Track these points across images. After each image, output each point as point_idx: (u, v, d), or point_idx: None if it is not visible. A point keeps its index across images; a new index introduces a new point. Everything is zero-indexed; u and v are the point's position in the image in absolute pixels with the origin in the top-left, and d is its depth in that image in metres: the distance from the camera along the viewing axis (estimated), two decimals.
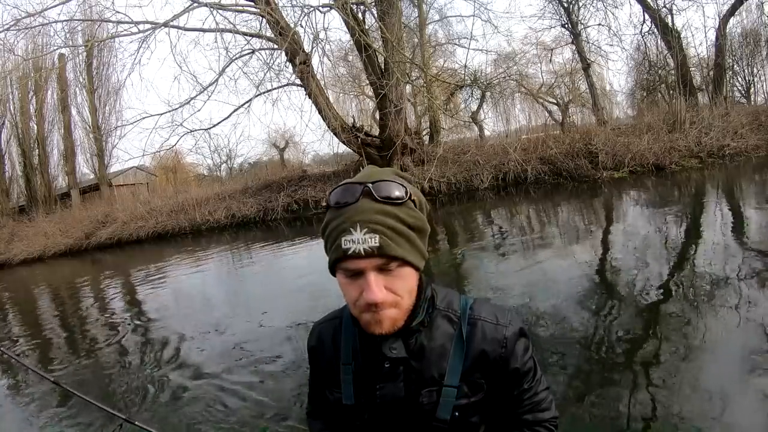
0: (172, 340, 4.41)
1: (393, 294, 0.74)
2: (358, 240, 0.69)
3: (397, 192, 0.73)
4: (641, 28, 17.20)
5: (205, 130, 13.15)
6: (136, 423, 1.47)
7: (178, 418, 2.80)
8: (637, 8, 17.29)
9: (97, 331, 5.32)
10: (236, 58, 11.59)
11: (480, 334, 0.82)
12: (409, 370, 0.80)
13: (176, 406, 2.98)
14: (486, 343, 0.81)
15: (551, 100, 20.49)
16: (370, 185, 0.72)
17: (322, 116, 12.77)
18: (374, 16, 12.17)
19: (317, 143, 51.05)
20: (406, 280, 0.75)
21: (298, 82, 12.24)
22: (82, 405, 3.04)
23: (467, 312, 0.84)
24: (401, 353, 0.80)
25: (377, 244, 0.69)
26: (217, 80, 11.54)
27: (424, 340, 0.81)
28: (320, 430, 0.97)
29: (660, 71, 18.35)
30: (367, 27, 12.23)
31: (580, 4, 17.99)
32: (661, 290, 3.57)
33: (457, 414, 0.80)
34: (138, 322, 5.35)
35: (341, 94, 18.65)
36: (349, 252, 0.70)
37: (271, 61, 12.05)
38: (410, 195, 0.74)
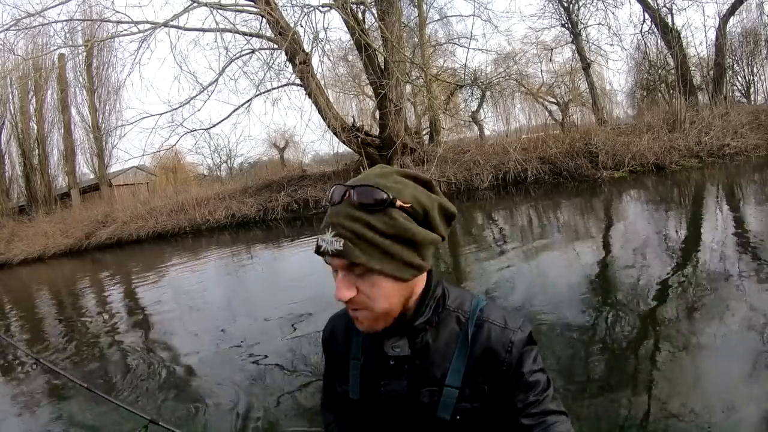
0: (178, 340, 4.41)
1: (364, 296, 0.74)
2: (327, 241, 0.72)
3: (375, 198, 0.71)
4: (641, 28, 17.25)
5: (205, 129, 13.21)
6: (161, 423, 1.46)
7: (198, 418, 2.78)
8: (637, 8, 17.33)
9: (104, 332, 5.30)
10: (236, 58, 11.63)
11: (485, 336, 0.80)
12: (413, 368, 0.80)
13: (191, 405, 2.96)
14: (490, 346, 0.79)
15: (551, 99, 20.47)
16: (352, 189, 0.73)
17: (322, 116, 12.77)
18: (374, 16, 12.18)
19: (317, 143, 50.54)
20: (379, 287, 0.74)
21: (298, 81, 12.25)
22: (105, 406, 2.99)
23: (476, 313, 0.82)
24: (404, 351, 0.80)
25: (341, 248, 0.71)
26: (217, 80, 11.58)
27: (430, 339, 0.81)
28: (332, 422, 0.98)
29: (660, 71, 18.35)
30: (367, 27, 12.24)
31: (580, 3, 18.02)
32: (662, 290, 3.57)
33: (458, 417, 0.78)
34: (143, 323, 5.36)
35: (341, 94, 18.67)
36: (320, 250, 0.74)
37: (271, 61, 12.09)
38: (394, 202, 0.71)
